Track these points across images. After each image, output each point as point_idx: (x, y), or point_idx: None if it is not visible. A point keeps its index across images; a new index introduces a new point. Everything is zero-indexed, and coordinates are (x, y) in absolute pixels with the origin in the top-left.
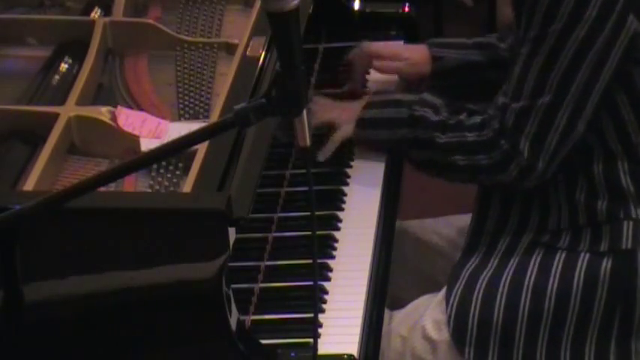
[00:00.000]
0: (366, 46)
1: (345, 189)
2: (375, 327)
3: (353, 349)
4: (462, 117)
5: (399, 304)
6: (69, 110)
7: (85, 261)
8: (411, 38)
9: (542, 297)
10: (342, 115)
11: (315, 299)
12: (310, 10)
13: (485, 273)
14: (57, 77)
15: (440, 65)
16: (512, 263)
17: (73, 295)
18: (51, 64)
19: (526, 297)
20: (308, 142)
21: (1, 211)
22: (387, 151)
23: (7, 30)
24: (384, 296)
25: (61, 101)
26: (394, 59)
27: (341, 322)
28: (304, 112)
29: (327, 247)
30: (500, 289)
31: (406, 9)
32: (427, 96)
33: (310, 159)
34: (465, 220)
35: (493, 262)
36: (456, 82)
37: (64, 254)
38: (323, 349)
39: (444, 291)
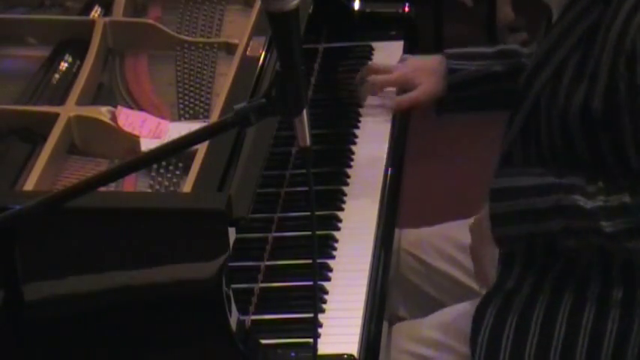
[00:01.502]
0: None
1: (345, 189)
2: (375, 327)
3: (353, 349)
4: (626, 199)
5: (395, 322)
6: (69, 110)
7: (85, 261)
8: (411, 38)
9: (572, 353)
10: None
11: (315, 299)
12: (310, 10)
13: (512, 315)
14: (57, 76)
15: (457, 77)
16: (541, 308)
17: (73, 295)
18: (51, 63)
19: (555, 352)
20: (308, 142)
21: (1, 211)
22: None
23: (7, 30)
24: (384, 296)
25: (61, 100)
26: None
27: (341, 322)
28: (304, 112)
29: (327, 247)
30: (530, 339)
31: (406, 9)
32: (562, 180)
33: (310, 159)
34: (461, 231)
35: (519, 304)
36: (473, 94)
37: (64, 254)
38: (323, 349)
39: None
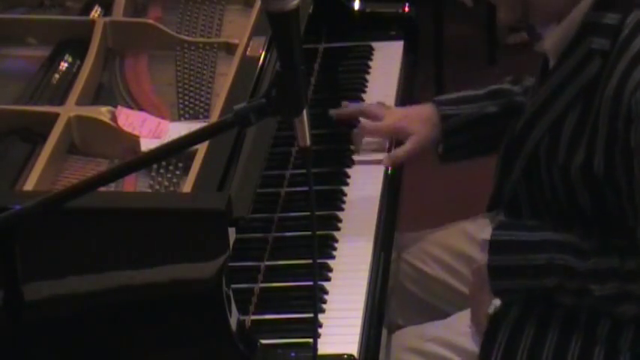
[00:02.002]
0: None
1: (345, 189)
2: (375, 327)
3: (353, 349)
4: (615, 264)
5: (394, 329)
6: (69, 110)
7: (85, 261)
8: (411, 38)
9: None
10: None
11: (315, 299)
12: (310, 10)
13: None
14: (57, 76)
15: (452, 123)
16: (550, 345)
17: (73, 295)
18: (51, 63)
19: None
20: (308, 142)
21: (1, 211)
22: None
23: (7, 30)
24: (384, 296)
25: (61, 100)
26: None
27: (341, 322)
28: (304, 112)
29: (327, 247)
30: None
31: (406, 9)
32: (555, 235)
33: (310, 159)
34: (459, 238)
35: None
36: (471, 138)
37: (64, 254)
38: (323, 349)
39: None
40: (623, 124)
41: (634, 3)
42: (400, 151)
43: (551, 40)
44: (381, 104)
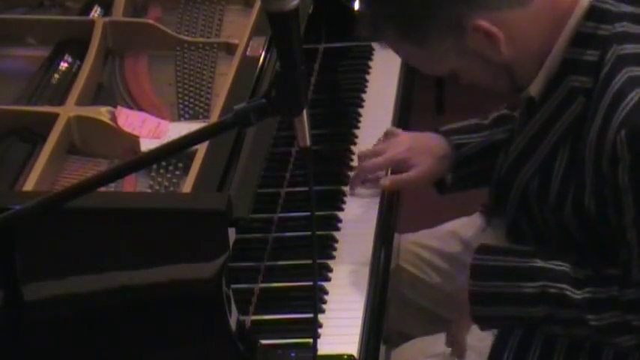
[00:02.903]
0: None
1: (345, 189)
2: (375, 327)
3: (353, 349)
4: (614, 292)
5: (394, 337)
6: (69, 110)
7: (84, 261)
8: None
9: None
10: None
11: (315, 299)
12: (310, 10)
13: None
14: (57, 76)
15: (464, 152)
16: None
17: (73, 295)
18: (51, 63)
19: None
20: (308, 142)
21: (1, 211)
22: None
23: (7, 30)
24: (384, 296)
25: (61, 100)
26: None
27: (341, 322)
28: (304, 112)
29: (327, 247)
30: None
31: None
32: (550, 264)
33: (310, 159)
34: (454, 246)
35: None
36: (483, 166)
37: (64, 254)
38: (323, 349)
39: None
40: (608, 163)
41: (612, 38)
42: (404, 177)
43: (536, 84)
44: (391, 133)
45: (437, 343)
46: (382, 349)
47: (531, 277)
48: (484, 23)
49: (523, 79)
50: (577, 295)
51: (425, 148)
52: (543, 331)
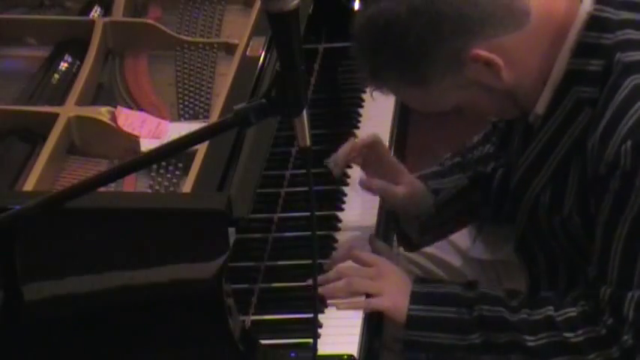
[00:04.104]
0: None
1: (345, 189)
2: (375, 327)
3: (353, 349)
4: (550, 312)
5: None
6: (69, 110)
7: (85, 261)
8: None
9: None
10: (388, 293)
11: (315, 299)
12: (310, 10)
13: None
14: (57, 76)
15: (441, 198)
16: None
17: (73, 295)
18: (51, 63)
19: None
20: (308, 142)
21: (1, 211)
22: (437, 356)
23: (7, 30)
24: None
25: (61, 100)
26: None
27: (341, 322)
28: (304, 112)
29: (327, 247)
30: None
31: None
32: (487, 290)
33: (310, 159)
34: (450, 253)
35: None
36: (455, 213)
37: (64, 254)
38: (323, 349)
39: None
40: (606, 168)
41: (615, 46)
42: (388, 189)
43: (542, 101)
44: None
45: None
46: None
47: (469, 304)
48: (482, 52)
49: (528, 101)
50: (514, 317)
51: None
52: None
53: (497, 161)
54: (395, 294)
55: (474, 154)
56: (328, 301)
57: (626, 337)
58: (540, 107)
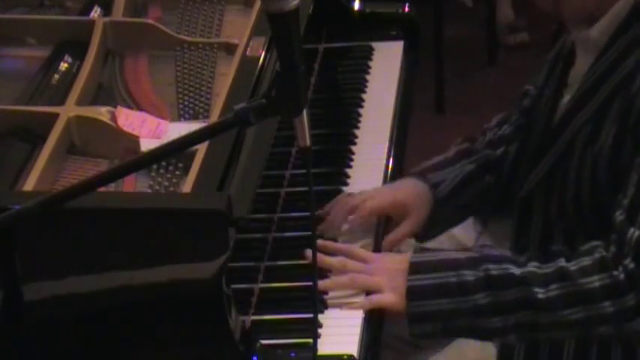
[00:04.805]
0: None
1: (345, 189)
2: (375, 327)
3: (353, 349)
4: (562, 263)
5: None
6: (69, 110)
7: (85, 261)
8: (411, 38)
9: None
10: (389, 287)
11: (315, 299)
12: (310, 10)
13: None
14: (57, 76)
15: (443, 190)
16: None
17: (73, 295)
18: (51, 63)
19: None
20: (308, 142)
21: (1, 211)
22: (444, 326)
23: (7, 30)
24: None
25: (61, 100)
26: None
27: (341, 322)
28: (304, 112)
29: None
30: None
31: (406, 9)
32: (490, 251)
33: (310, 159)
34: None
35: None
36: (462, 201)
37: (64, 254)
38: (323, 349)
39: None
40: None
41: None
42: (398, 235)
43: (599, 29)
44: (352, 194)
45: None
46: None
47: (474, 265)
48: None
49: (567, 13)
50: (522, 271)
51: (412, 192)
52: (485, 326)
53: (510, 143)
54: (395, 286)
55: (485, 137)
56: (329, 301)
57: None
58: (596, 31)
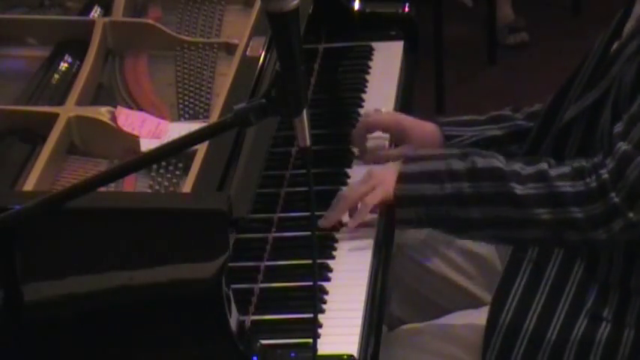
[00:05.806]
0: (365, 119)
1: (345, 189)
2: (375, 327)
3: (353, 349)
4: (543, 166)
5: (395, 324)
6: (69, 110)
7: (85, 261)
8: (411, 38)
9: None
10: (381, 184)
11: (315, 299)
12: (310, 10)
13: (526, 326)
14: (57, 76)
15: (455, 144)
16: (555, 325)
17: (73, 295)
18: (51, 63)
19: None
20: (308, 142)
21: (1, 211)
22: (427, 211)
23: (7, 30)
24: (384, 296)
25: (61, 100)
26: (395, 130)
27: (341, 322)
28: (304, 112)
29: (327, 247)
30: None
31: (406, 9)
32: (482, 151)
33: (310, 159)
34: (483, 249)
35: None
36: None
37: (64, 254)
38: (323, 349)
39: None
40: None
41: None
42: (395, 152)
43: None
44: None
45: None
46: (384, 329)
47: (461, 157)
48: None
49: None
50: (507, 167)
51: (422, 129)
52: (463, 215)
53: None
54: (387, 182)
55: (531, 108)
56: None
57: (613, 195)
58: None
